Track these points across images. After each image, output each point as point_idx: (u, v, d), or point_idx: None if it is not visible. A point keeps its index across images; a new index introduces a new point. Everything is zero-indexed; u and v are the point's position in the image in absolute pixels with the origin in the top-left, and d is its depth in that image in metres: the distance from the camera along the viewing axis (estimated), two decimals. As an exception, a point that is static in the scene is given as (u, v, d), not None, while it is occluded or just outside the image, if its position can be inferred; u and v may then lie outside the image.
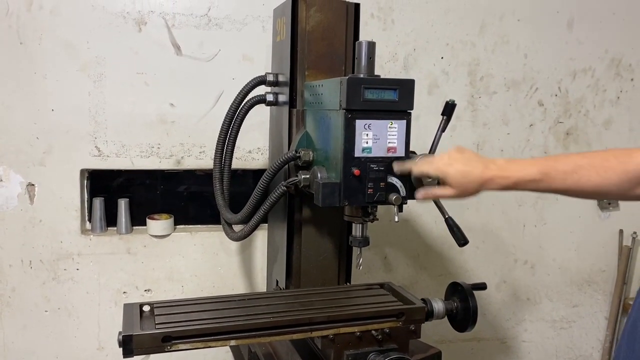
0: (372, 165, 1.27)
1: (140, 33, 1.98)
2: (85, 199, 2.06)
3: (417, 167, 1.27)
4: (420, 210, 2.28)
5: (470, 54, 2.23)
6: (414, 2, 2.15)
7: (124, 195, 2.08)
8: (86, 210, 2.07)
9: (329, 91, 1.33)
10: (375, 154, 1.27)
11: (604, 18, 2.30)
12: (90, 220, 2.07)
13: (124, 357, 1.18)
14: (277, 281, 1.76)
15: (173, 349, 1.18)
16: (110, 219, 2.09)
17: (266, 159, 2.12)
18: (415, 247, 2.30)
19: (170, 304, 1.33)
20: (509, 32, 2.24)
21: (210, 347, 1.21)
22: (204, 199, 2.17)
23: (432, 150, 1.40)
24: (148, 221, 2.08)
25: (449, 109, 1.39)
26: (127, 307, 1.30)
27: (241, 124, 1.76)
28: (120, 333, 1.18)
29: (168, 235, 2.09)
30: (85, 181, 2.05)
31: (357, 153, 1.26)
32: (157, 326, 1.20)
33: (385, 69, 2.15)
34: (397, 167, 1.30)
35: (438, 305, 1.44)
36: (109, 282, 2.06)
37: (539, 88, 2.30)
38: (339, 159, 1.26)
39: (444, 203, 1.41)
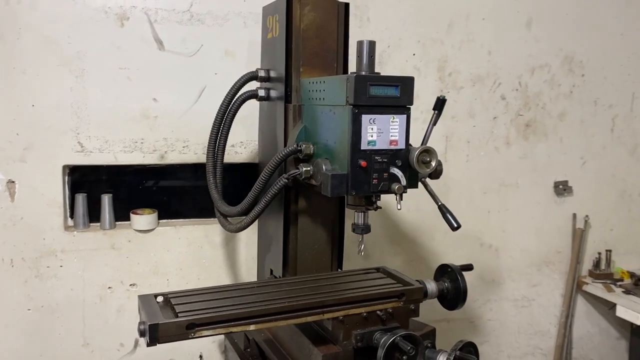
0: (376, 157, 1.36)
1: (123, 28, 1.98)
2: (67, 195, 2.04)
3: None
4: (394, 200, 2.39)
5: (440, 51, 2.36)
6: (387, 1, 2.26)
7: (107, 190, 2.08)
8: (68, 207, 2.05)
9: (333, 88, 1.41)
10: (379, 146, 1.36)
11: (558, 18, 2.49)
12: (72, 216, 2.06)
13: (148, 345, 1.22)
14: (271, 270, 1.82)
15: (196, 335, 1.23)
16: (94, 215, 2.08)
17: (249, 152, 2.17)
18: (390, 235, 2.42)
19: (185, 294, 1.37)
20: (474, 30, 2.39)
21: (231, 332, 1.27)
22: (187, 193, 2.19)
23: (425, 142, 1.50)
24: (132, 216, 2.08)
25: (440, 104, 1.50)
26: (143, 298, 1.33)
27: (233, 118, 1.80)
28: (143, 323, 1.22)
29: (152, 229, 2.11)
30: (67, 177, 2.03)
31: (363, 146, 1.34)
32: (180, 314, 1.24)
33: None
34: None
35: (431, 286, 1.56)
36: (93, 278, 2.06)
37: (501, 83, 2.46)
38: (346, 152, 1.34)
39: (436, 191, 1.53)
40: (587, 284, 2.64)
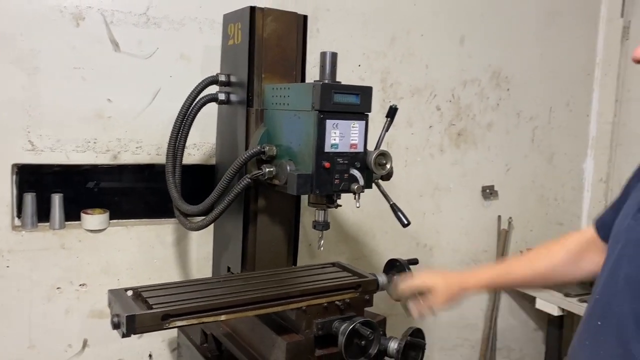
0: (338, 159, 1.48)
1: (78, 28, 1.99)
2: (14, 194, 2.01)
3: (409, 287, 1.52)
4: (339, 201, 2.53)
5: (383, 63, 2.53)
6: (336, 14, 2.39)
7: (57, 190, 2.06)
8: (15, 206, 2.02)
9: (299, 94, 1.52)
10: (341, 149, 1.48)
11: (487, 37, 2.74)
12: (20, 216, 2.02)
13: (124, 336, 1.26)
14: (228, 268, 1.89)
15: (171, 326, 1.28)
16: (43, 215, 2.05)
17: (202, 154, 2.23)
18: (335, 234, 2.55)
19: (155, 288, 1.42)
20: (414, 45, 2.58)
21: (203, 322, 1.34)
22: (140, 194, 2.21)
23: (378, 146, 1.64)
24: (83, 216, 2.08)
25: (392, 112, 1.65)
26: (114, 292, 1.38)
27: (193, 120, 1.87)
28: (117, 315, 1.26)
29: (103, 229, 2.11)
30: (15, 176, 2.00)
31: (327, 148, 1.46)
32: (154, 306, 1.30)
33: (311, 73, 2.35)
34: (395, 295, 1.54)
35: (382, 278, 1.69)
36: (41, 279, 2.03)
37: (437, 95, 2.67)
38: (311, 154, 1.45)
39: (388, 191, 1.67)
40: (510, 279, 2.89)
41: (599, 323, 1.08)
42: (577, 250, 1.39)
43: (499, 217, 2.90)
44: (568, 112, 3.04)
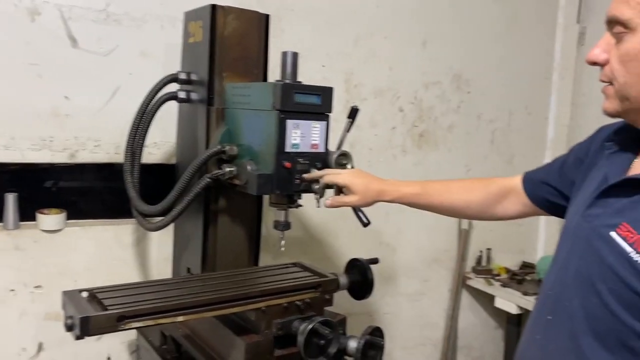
0: (299, 159, 1.48)
1: (34, 23, 1.93)
2: (-35, 194, 1.94)
3: (327, 178, 1.52)
4: (302, 202, 2.53)
5: (346, 64, 2.54)
6: (300, 14, 2.40)
7: (13, 189, 2.00)
8: (-34, 206, 1.95)
9: (260, 93, 1.51)
10: (302, 149, 1.49)
11: (449, 41, 2.79)
12: (-29, 216, 1.96)
13: (78, 338, 1.23)
14: (188, 269, 1.87)
15: (126, 327, 1.26)
16: (-4, 215, 1.99)
17: (163, 153, 2.20)
18: (299, 235, 2.55)
19: (110, 289, 1.40)
20: (377, 47, 2.60)
21: (160, 324, 1.32)
22: (98, 194, 2.16)
23: (340, 146, 1.65)
24: (38, 216, 2.02)
25: (353, 113, 1.66)
26: (69, 294, 1.35)
27: (152, 119, 1.84)
28: (71, 317, 1.24)
29: (60, 230, 2.06)
30: (-35, 175, 1.93)
31: (288, 148, 1.46)
32: (109, 308, 1.27)
33: (275, 73, 2.35)
34: (307, 176, 1.53)
35: (343, 278, 1.70)
36: (-6, 281, 1.97)
37: (400, 97, 2.70)
38: (272, 154, 1.45)
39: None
40: (470, 279, 2.95)
41: (550, 317, 1.11)
42: (496, 194, 1.49)
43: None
44: (527, 115, 3.12)
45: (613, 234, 0.99)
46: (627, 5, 0.97)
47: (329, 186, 1.54)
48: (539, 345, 1.13)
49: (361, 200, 1.52)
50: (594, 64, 1.06)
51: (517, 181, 1.46)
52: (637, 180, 1.00)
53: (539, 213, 1.44)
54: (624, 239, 0.97)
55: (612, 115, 1.07)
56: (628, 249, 0.96)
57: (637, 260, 0.94)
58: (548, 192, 1.36)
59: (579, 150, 1.29)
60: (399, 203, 1.57)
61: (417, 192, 1.55)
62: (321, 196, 1.55)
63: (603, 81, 1.06)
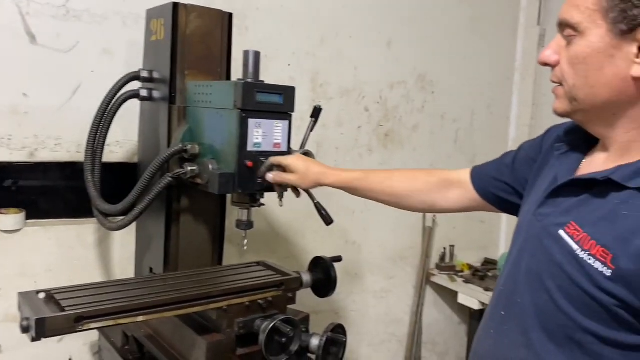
0: (261, 158, 1.49)
1: (-10, 18, 1.89)
2: None
3: (274, 158, 1.54)
4: (268, 201, 2.53)
5: (313, 63, 2.55)
6: (265, 12, 2.40)
7: (-32, 189, 1.95)
8: None
9: (221, 92, 1.51)
10: (264, 148, 1.49)
11: (413, 41, 2.82)
12: None
13: (34, 340, 1.21)
14: (151, 269, 1.86)
15: (85, 328, 1.25)
16: (-49, 215, 1.93)
17: (125, 152, 2.17)
18: (264, 234, 2.55)
19: (69, 290, 1.38)
20: (343, 47, 2.62)
21: (119, 324, 1.31)
22: (59, 193, 2.12)
23: (303, 146, 1.67)
24: (-5, 216, 1.98)
25: (317, 112, 1.68)
26: (24, 295, 1.33)
27: (114, 117, 1.82)
28: (27, 319, 1.21)
29: (19, 230, 2.01)
30: None
31: (250, 147, 1.46)
32: (67, 309, 1.26)
33: (240, 72, 2.35)
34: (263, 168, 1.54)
35: (306, 277, 1.72)
36: (-51, 283, 1.92)
37: (365, 96, 2.73)
38: (234, 153, 1.45)
39: (313, 191, 1.69)
40: (434, 275, 3.00)
41: (503, 313, 1.14)
42: (436, 184, 1.50)
43: (424, 215, 3.00)
44: (489, 115, 3.19)
45: (561, 233, 1.03)
46: (577, 10, 1.01)
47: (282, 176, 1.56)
48: (493, 339, 1.17)
49: (300, 179, 1.53)
50: (546, 64, 1.10)
51: (463, 175, 1.47)
52: (584, 180, 1.04)
53: (486, 208, 1.44)
54: (571, 237, 1.00)
55: (561, 115, 1.11)
56: (575, 246, 0.99)
57: (582, 258, 0.97)
58: (499, 188, 1.37)
59: (530, 149, 1.32)
60: (340, 188, 1.57)
61: (358, 177, 1.56)
62: (261, 177, 1.53)
63: (554, 82, 1.10)
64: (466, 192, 1.45)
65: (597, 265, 0.95)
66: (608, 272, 0.93)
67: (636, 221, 0.93)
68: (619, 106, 1.01)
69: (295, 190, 1.62)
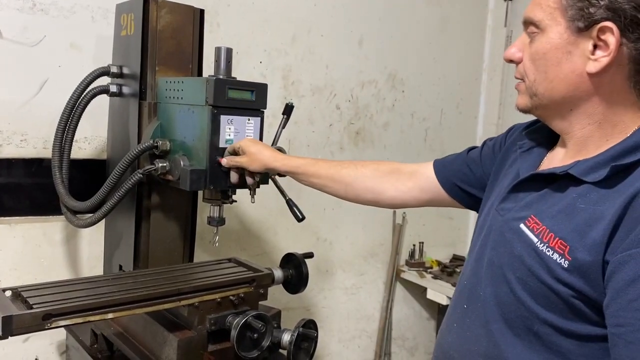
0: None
1: (-48, 10, 1.84)
2: None
3: (231, 145, 1.53)
4: (241, 197, 2.53)
5: (284, 61, 2.56)
6: (237, 9, 2.39)
7: None
8: None
9: (192, 88, 1.51)
10: (235, 145, 1.49)
11: (384, 40, 2.86)
12: None
13: (1, 339, 1.19)
14: (120, 266, 1.84)
15: (53, 326, 1.23)
16: None
17: (94, 148, 2.14)
18: (236, 231, 2.55)
19: (36, 287, 1.36)
20: (315, 45, 2.63)
21: (89, 321, 1.30)
22: (24, 190, 2.08)
23: (275, 143, 1.67)
24: (-42, 213, 1.93)
25: (288, 110, 1.69)
26: (-10, 293, 1.29)
27: (82, 113, 1.79)
28: (-7, 316, 1.19)
29: (-17, 227, 1.97)
30: None
31: (221, 144, 1.46)
32: (34, 306, 1.24)
33: (211, 68, 2.34)
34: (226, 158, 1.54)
35: (278, 273, 1.73)
36: None
37: (336, 94, 2.74)
38: (205, 149, 1.45)
39: (285, 188, 1.70)
40: (404, 271, 3.04)
41: (465, 306, 1.17)
42: (385, 172, 1.49)
43: (394, 212, 3.04)
44: (458, 114, 3.25)
45: (522, 226, 1.06)
46: (540, 8, 1.05)
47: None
48: (456, 332, 1.20)
49: (249, 161, 1.49)
50: (510, 61, 1.14)
51: (422, 167, 1.46)
52: (544, 175, 1.08)
53: (443, 203, 1.43)
54: (532, 230, 1.04)
55: (523, 110, 1.14)
56: (534, 239, 1.02)
57: (542, 250, 1.01)
58: (466, 182, 1.37)
59: (494, 146, 1.35)
60: (288, 173, 1.54)
61: (307, 162, 1.53)
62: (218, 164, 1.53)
63: (517, 77, 1.14)
64: (422, 184, 1.43)
65: (555, 257, 0.98)
66: (565, 264, 0.97)
67: (592, 214, 0.96)
68: (574, 102, 1.05)
69: (256, 183, 1.59)
